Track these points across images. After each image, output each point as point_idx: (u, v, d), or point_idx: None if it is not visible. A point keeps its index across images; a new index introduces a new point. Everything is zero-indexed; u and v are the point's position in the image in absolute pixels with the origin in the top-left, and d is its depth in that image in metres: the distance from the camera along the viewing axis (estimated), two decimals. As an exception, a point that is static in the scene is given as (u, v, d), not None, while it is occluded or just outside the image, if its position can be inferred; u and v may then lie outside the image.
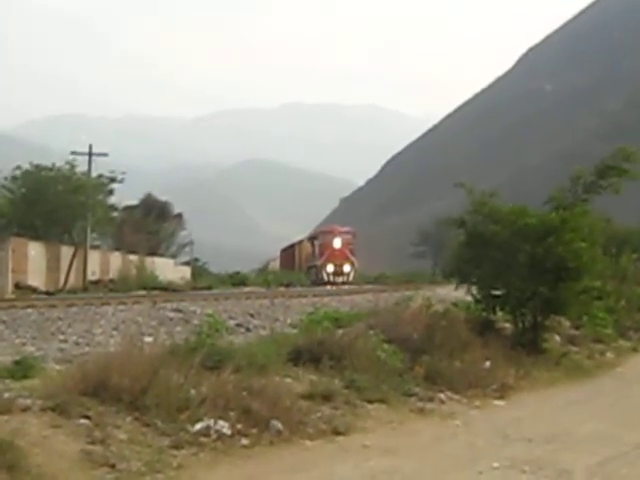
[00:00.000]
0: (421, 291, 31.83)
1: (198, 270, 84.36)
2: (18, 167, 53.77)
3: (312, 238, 77.75)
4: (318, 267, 69.30)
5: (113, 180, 57.09)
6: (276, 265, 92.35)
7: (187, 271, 77.29)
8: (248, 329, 20.91)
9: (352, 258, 69.14)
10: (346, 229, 74.76)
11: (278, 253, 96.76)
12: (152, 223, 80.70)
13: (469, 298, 23.07)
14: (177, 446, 10.19)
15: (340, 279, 66.63)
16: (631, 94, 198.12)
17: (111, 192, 57.74)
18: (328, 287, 56.98)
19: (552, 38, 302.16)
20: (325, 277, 67.17)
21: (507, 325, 22.56)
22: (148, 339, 15.19)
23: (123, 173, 57.74)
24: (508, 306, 21.96)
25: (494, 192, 23.02)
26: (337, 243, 69.56)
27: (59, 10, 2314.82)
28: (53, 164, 54.29)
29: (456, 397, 15.37)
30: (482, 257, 21.76)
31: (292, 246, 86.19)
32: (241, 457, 10.41)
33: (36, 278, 48.00)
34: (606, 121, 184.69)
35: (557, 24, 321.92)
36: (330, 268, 67.84)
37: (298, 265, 79.07)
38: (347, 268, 68.28)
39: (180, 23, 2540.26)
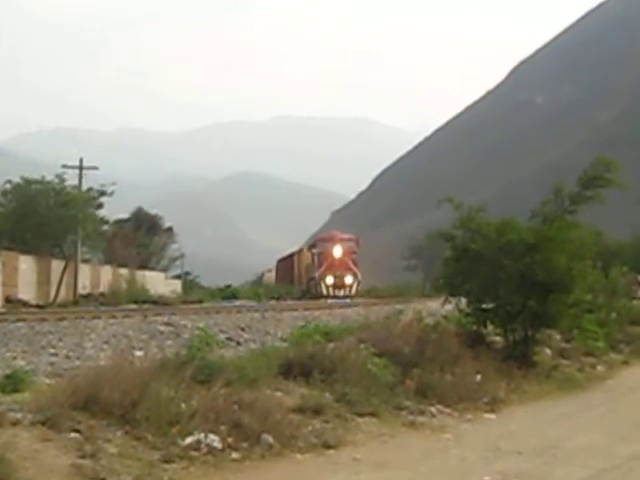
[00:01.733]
0: (412, 304, 31.85)
1: (189, 284, 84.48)
2: (8, 181, 53.82)
3: (312, 247, 69.66)
4: (316, 279, 62.45)
5: (103, 193, 57.14)
6: (272, 277, 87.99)
7: (178, 285, 77.36)
8: (239, 343, 20.87)
9: (355, 268, 62.07)
10: (348, 236, 67.68)
11: (274, 264, 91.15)
12: (143, 237, 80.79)
13: (457, 312, 23.04)
14: (168, 460, 10.17)
15: (341, 292, 60.01)
16: (622, 107, 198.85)
17: (100, 205, 57.74)
18: (322, 301, 51.66)
19: (543, 51, 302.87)
20: (324, 290, 60.49)
21: (498, 338, 22.54)
22: (139, 353, 15.19)
23: (113, 184, 57.75)
24: (498, 319, 21.96)
25: (482, 207, 22.99)
26: (337, 252, 62.23)
27: (51, 22, 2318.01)
28: (43, 177, 54.29)
29: (447, 410, 15.36)
30: (470, 271, 21.78)
31: (291, 256, 78.87)
32: (232, 471, 10.39)
33: (27, 292, 47.95)
34: (597, 134, 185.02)
35: (548, 37, 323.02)
36: (330, 280, 60.86)
37: (297, 277, 72.34)
38: (349, 280, 61.13)
39: (171, 37, 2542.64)
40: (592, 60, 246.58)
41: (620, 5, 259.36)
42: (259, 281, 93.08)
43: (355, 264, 62.55)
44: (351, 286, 61.25)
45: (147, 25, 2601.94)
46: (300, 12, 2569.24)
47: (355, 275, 61.73)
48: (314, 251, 66.39)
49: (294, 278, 72.78)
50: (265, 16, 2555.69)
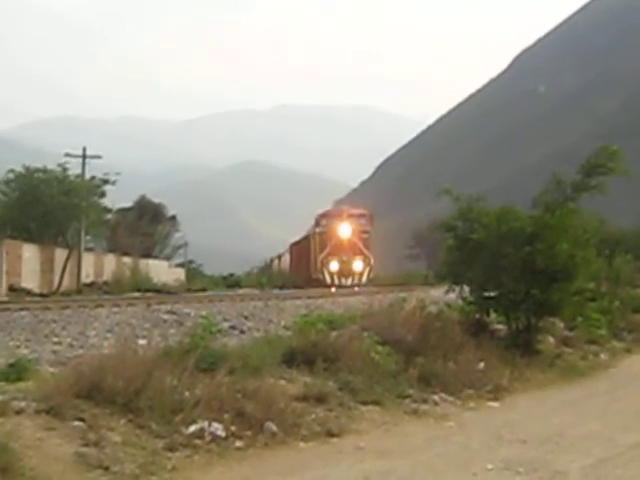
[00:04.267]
0: (415, 293, 31.80)
1: (192, 272, 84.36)
2: (11, 170, 53.84)
3: (316, 224, 57.82)
4: (319, 264, 53.18)
5: (106, 182, 57.11)
6: (284, 264, 77.09)
7: (181, 273, 77.32)
8: (242, 331, 20.85)
9: (366, 251, 52.86)
10: (359, 211, 58.04)
11: (287, 248, 78.31)
12: (146, 225, 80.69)
13: (460, 301, 23.03)
14: (171, 448, 10.18)
15: (349, 281, 51.57)
16: (625, 95, 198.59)
17: (103, 194, 57.71)
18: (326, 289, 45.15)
19: (546, 39, 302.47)
20: (327, 278, 51.95)
21: (501, 326, 22.54)
22: (142, 341, 15.16)
23: (117, 174, 57.74)
24: (501, 308, 21.97)
25: (481, 196, 22.97)
26: (345, 231, 52.66)
27: (53, 12, 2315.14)
28: (44, 167, 54.32)
29: (450, 398, 15.36)
30: (473, 259, 21.77)
31: (307, 238, 63.17)
32: (235, 459, 10.40)
33: (30, 280, 48.02)
34: (601, 122, 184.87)
35: (551, 25, 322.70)
36: (334, 266, 51.88)
37: (314, 263, 57.10)
38: (358, 265, 52.20)
39: (173, 24, 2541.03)
40: (595, 49, 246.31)
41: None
42: (267, 269, 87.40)
43: (367, 246, 53.43)
44: (361, 273, 52.53)
45: (149, 14, 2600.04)
46: (300, 12, 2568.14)
47: (366, 260, 52.78)
48: (317, 230, 56.37)
49: (310, 264, 58.43)
50: (266, 5, 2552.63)
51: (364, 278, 52.16)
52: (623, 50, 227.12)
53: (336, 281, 51.44)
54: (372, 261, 53.10)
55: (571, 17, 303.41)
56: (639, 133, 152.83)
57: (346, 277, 51.95)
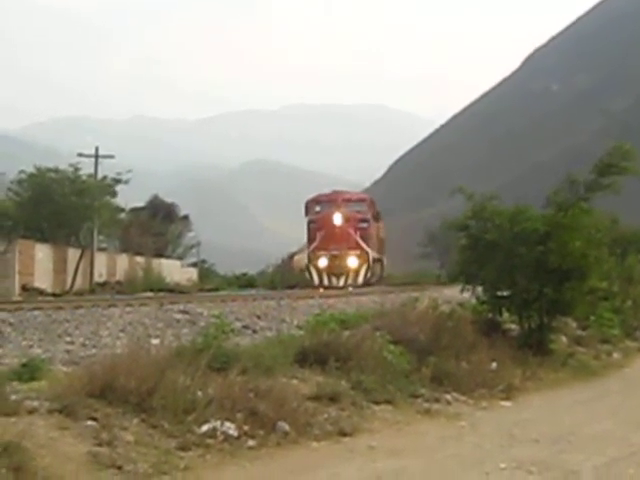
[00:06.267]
0: (427, 292, 31.74)
1: (205, 272, 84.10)
2: (22, 171, 53.92)
3: (306, 211, 49.34)
4: (307, 260, 45.48)
5: (118, 181, 57.17)
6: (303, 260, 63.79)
7: (194, 273, 77.12)
8: (255, 331, 20.83)
9: (364, 245, 43.95)
10: (357, 196, 51.34)
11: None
12: (159, 225, 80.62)
13: (474, 300, 22.98)
14: (184, 448, 10.17)
15: (341, 281, 43.37)
16: (638, 94, 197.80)
17: (115, 194, 57.76)
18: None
19: (558, 38, 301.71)
20: (315, 277, 44.31)
21: (513, 326, 22.51)
22: (155, 341, 15.16)
23: (129, 171, 57.74)
24: (514, 307, 21.92)
25: (494, 195, 22.89)
26: (337, 219, 43.93)
27: (66, 11, 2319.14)
28: (56, 167, 54.38)
29: (462, 398, 15.34)
30: (485, 259, 21.72)
31: None
32: (248, 458, 10.39)
33: (43, 280, 48.10)
34: (613, 121, 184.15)
35: (563, 24, 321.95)
36: (322, 262, 43.76)
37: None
38: (353, 262, 43.46)
39: (183, 25, 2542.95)
40: (607, 47, 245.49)
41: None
42: (285, 267, 76.18)
43: (365, 238, 44.49)
44: (356, 271, 43.80)
45: (159, 14, 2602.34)
46: (301, 12, 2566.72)
47: (363, 255, 44.00)
48: (306, 218, 48.03)
49: None
50: (274, 4, 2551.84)
51: (360, 277, 44.08)
52: (636, 49, 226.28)
53: (325, 281, 43.71)
54: (371, 257, 44.58)
55: (583, 16, 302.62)
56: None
57: (337, 276, 43.81)
